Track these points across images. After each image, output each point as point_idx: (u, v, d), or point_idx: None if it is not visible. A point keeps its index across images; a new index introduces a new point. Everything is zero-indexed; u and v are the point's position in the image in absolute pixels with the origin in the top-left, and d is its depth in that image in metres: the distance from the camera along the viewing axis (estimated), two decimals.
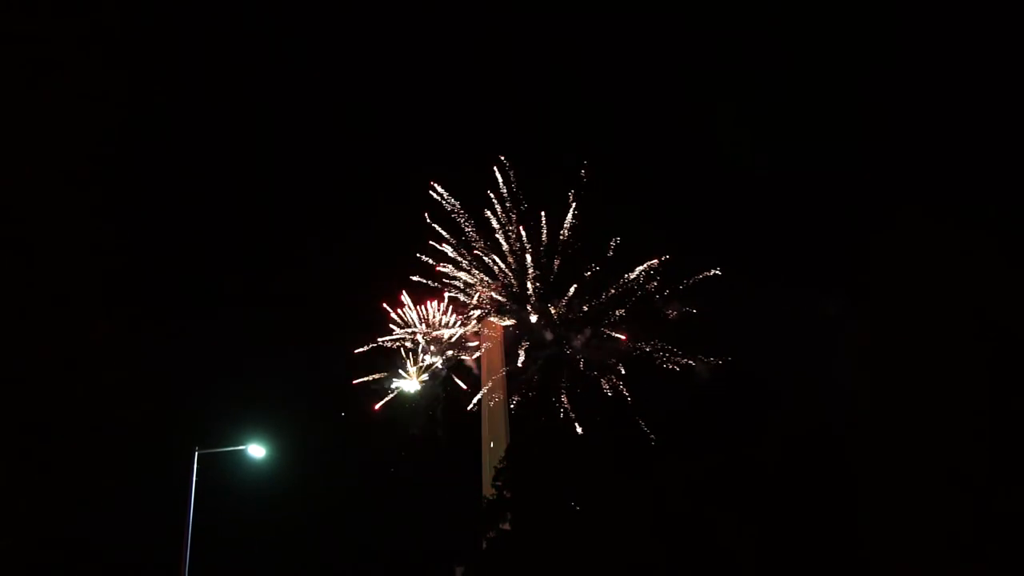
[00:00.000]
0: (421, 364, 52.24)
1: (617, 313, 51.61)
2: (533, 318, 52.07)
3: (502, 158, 51.29)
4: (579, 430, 44.78)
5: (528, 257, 51.35)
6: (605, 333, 51.45)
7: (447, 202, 51.41)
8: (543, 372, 52.75)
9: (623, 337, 51.29)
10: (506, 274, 52.10)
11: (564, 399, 50.55)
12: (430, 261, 51.58)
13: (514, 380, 51.26)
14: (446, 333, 52.05)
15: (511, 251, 51.78)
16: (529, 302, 52.14)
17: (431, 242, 51.45)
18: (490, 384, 49.83)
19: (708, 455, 33.80)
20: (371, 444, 52.24)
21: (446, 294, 51.87)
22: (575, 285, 51.22)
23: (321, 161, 69.68)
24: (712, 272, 50.79)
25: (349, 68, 73.59)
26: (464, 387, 52.25)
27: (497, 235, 51.46)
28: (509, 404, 49.37)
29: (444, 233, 51.41)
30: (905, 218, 30.36)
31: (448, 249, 51.50)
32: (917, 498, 27.67)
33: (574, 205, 50.99)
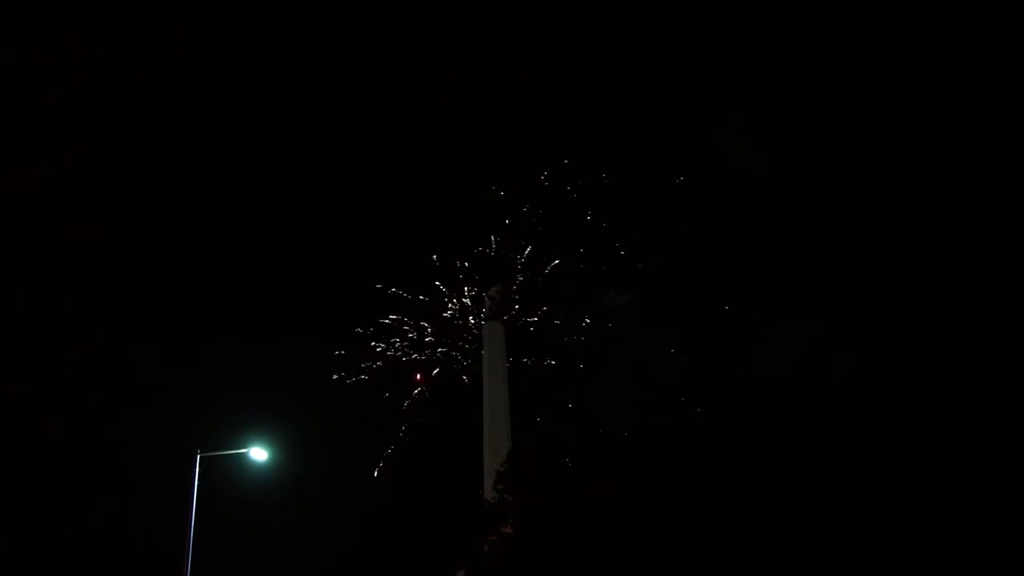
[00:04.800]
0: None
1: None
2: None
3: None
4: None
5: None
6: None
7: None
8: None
9: None
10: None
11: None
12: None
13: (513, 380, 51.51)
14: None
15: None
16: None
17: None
18: (492, 386, 49.54)
19: (704, 456, 33.96)
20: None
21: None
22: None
23: (320, 162, 69.64)
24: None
25: (350, 70, 73.56)
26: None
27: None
28: (511, 406, 49.21)
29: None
30: (903, 229, 30.51)
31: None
32: (913, 507, 27.87)
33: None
